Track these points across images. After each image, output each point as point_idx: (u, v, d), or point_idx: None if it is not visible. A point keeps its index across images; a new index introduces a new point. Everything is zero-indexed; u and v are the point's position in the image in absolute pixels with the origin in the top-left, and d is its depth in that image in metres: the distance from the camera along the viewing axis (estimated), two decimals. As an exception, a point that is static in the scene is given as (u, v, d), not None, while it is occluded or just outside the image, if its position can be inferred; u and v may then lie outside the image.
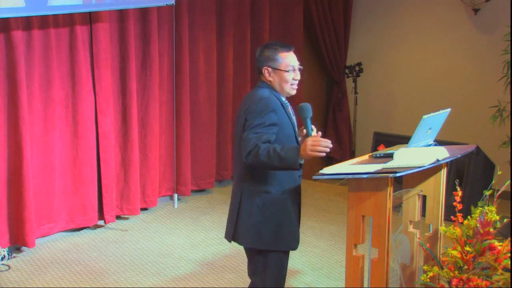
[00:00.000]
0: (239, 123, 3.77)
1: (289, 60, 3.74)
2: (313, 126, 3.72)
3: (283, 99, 3.80)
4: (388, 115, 8.11)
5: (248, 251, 3.87)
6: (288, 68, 3.73)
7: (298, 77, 3.77)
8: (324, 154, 3.53)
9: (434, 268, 3.95)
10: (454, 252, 3.88)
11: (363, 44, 8.21)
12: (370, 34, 8.14)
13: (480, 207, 3.92)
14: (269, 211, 3.72)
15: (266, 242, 3.74)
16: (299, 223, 3.87)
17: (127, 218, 6.48)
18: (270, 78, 3.76)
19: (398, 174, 3.69)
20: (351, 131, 8.34)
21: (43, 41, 5.66)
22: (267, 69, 3.75)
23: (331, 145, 3.53)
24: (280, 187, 3.72)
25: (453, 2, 7.44)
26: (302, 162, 3.67)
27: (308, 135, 3.67)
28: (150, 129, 6.50)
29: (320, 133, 3.68)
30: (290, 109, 3.82)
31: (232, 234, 3.84)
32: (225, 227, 3.95)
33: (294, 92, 3.79)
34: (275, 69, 3.74)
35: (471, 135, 7.16)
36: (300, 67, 3.79)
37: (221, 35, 7.07)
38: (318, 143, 3.51)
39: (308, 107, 3.70)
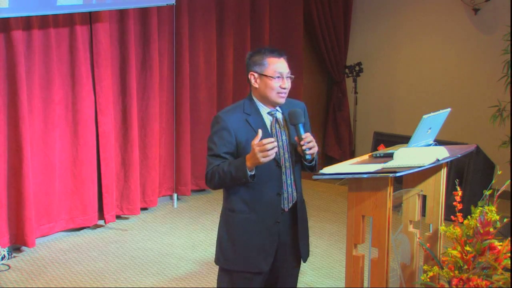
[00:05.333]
0: None
1: (277, 66, 3.50)
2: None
3: (267, 110, 3.57)
4: (388, 115, 8.11)
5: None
6: (275, 75, 3.49)
7: (286, 85, 3.51)
8: (273, 154, 3.34)
9: (434, 268, 3.94)
10: (454, 252, 3.87)
11: (363, 44, 8.20)
12: (370, 34, 8.14)
13: (480, 207, 3.91)
14: (233, 230, 3.61)
15: (229, 260, 3.63)
16: (272, 243, 3.58)
17: (127, 218, 6.48)
18: (256, 85, 3.54)
19: (398, 174, 3.69)
20: (351, 131, 8.34)
21: (43, 41, 5.66)
22: (253, 75, 3.55)
23: (275, 143, 3.35)
24: (245, 206, 3.56)
25: (453, 2, 7.43)
26: (252, 173, 3.40)
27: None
28: (150, 129, 6.50)
29: (308, 133, 3.51)
30: (274, 122, 3.57)
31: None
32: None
33: (281, 100, 3.53)
34: (261, 74, 3.52)
35: (471, 135, 7.15)
36: (291, 76, 3.54)
37: (221, 35, 7.07)
38: (264, 146, 3.32)
39: (296, 114, 3.49)
